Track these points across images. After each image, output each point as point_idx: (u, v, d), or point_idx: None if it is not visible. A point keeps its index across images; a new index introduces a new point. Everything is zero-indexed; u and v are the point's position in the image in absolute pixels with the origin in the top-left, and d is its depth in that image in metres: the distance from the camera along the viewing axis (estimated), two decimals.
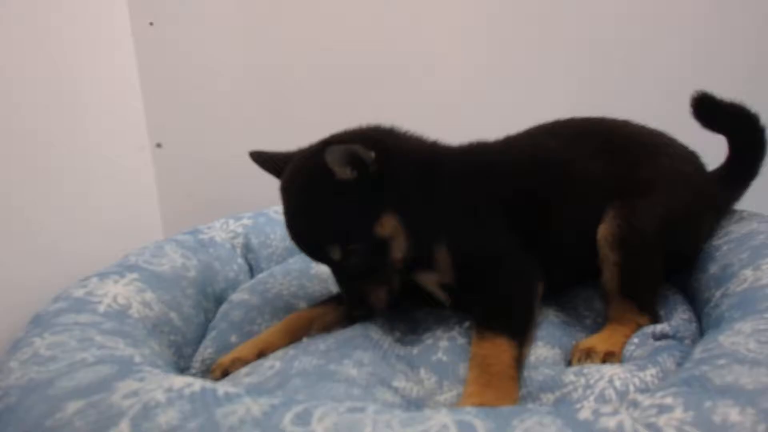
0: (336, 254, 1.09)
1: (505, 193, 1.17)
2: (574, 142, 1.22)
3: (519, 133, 1.29)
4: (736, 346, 0.78)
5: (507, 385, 0.94)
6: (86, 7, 1.70)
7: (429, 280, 1.20)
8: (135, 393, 0.71)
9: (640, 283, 1.12)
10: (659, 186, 1.15)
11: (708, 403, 0.65)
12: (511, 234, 1.14)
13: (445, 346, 1.08)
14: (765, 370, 0.69)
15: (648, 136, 1.25)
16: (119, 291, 1.11)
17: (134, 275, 1.19)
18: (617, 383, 0.91)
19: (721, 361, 0.74)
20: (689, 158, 1.24)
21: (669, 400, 0.67)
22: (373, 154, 1.04)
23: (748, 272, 1.03)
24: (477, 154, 1.24)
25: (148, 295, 1.15)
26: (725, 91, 1.25)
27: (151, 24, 1.92)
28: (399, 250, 1.12)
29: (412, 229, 1.11)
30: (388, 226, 1.09)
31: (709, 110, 1.26)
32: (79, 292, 1.07)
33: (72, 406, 0.73)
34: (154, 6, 1.93)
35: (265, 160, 1.24)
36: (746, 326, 0.85)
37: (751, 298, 0.95)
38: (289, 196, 1.15)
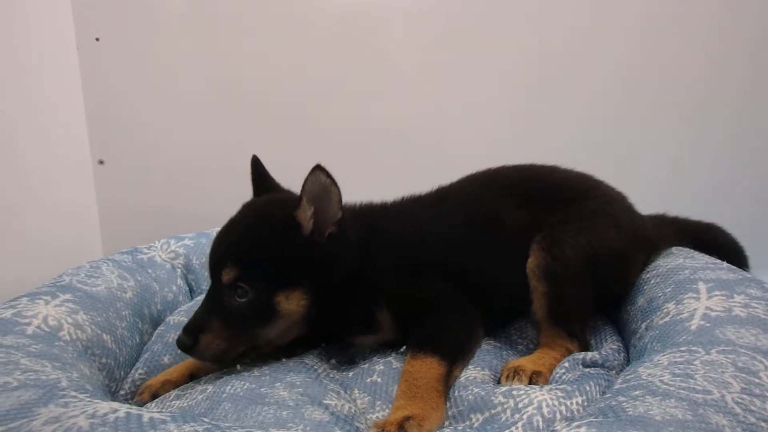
0: (227, 275, 1.04)
1: (442, 244, 1.20)
2: (504, 191, 1.27)
3: (451, 184, 1.34)
4: (652, 377, 0.82)
5: (432, 397, 0.95)
6: (31, 20, 1.67)
7: (367, 341, 1.20)
8: (57, 419, 0.69)
9: (568, 311, 1.16)
10: (582, 223, 1.20)
11: None
12: (450, 282, 1.15)
13: (381, 369, 1.09)
14: (674, 401, 0.73)
15: (573, 181, 1.32)
16: (50, 312, 1.08)
17: (67, 296, 1.16)
18: (545, 410, 0.93)
19: (637, 392, 0.78)
20: (615, 199, 1.31)
21: (582, 430, 0.70)
22: (340, 215, 1.05)
23: (670, 306, 1.08)
24: (410, 211, 1.26)
25: (81, 317, 1.12)
26: None
27: (98, 39, 1.91)
28: (275, 330, 1.09)
29: (345, 302, 1.10)
30: (292, 302, 1.06)
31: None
32: (7, 313, 1.04)
33: None
34: (102, 22, 1.92)
35: (259, 172, 1.22)
36: (664, 359, 0.89)
37: (671, 331, 0.99)
38: (243, 208, 1.14)
